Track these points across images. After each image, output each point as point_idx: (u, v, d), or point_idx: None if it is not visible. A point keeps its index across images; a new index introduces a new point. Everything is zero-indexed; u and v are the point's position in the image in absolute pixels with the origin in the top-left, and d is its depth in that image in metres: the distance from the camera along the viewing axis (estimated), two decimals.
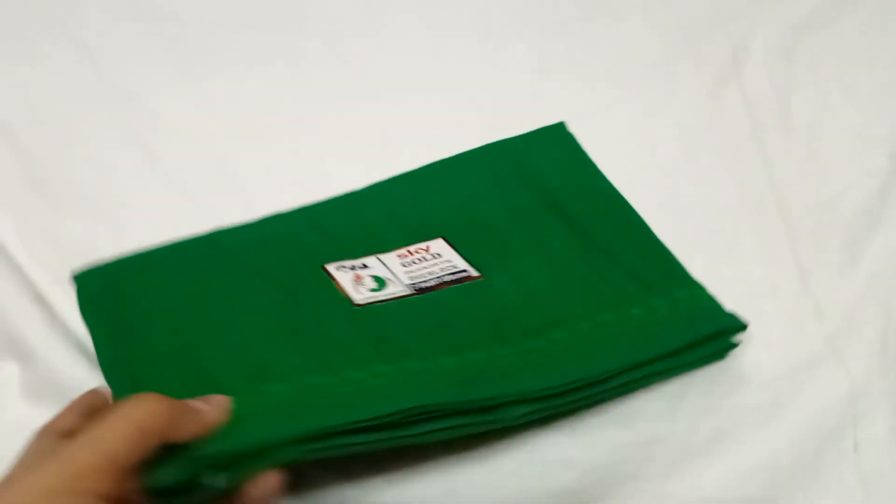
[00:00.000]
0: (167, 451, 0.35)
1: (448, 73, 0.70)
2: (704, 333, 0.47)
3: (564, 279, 0.51)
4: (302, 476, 0.43)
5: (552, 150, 0.60)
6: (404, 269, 0.51)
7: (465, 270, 0.51)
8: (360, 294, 0.49)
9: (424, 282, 0.50)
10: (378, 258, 0.52)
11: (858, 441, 0.46)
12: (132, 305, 0.48)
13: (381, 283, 0.50)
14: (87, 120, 0.64)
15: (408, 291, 0.50)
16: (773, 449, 0.45)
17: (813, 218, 0.57)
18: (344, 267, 0.51)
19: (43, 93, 0.66)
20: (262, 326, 0.47)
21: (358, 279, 0.50)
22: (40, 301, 0.53)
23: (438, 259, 0.52)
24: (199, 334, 0.46)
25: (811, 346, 0.50)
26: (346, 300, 0.48)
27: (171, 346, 0.46)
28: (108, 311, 0.48)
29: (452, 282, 0.50)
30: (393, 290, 0.49)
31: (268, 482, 0.37)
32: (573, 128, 0.61)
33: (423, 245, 0.53)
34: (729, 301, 0.48)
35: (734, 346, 0.48)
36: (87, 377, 0.48)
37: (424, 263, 0.51)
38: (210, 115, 0.65)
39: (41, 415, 0.46)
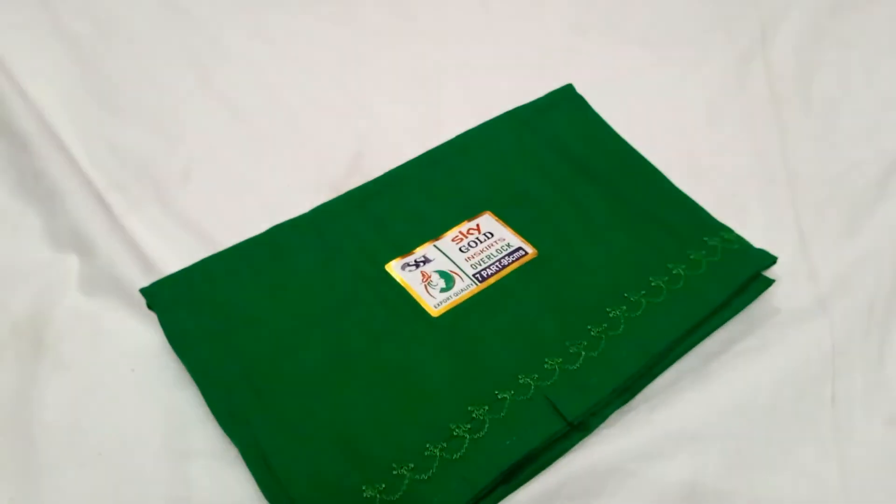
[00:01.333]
0: None
1: (492, 22, 0.73)
2: (743, 277, 0.52)
3: (609, 245, 0.54)
4: None
5: (568, 113, 0.63)
6: (463, 255, 0.53)
7: (520, 248, 0.54)
8: (433, 298, 0.51)
9: (486, 268, 0.52)
10: (435, 246, 0.54)
11: (836, 394, 0.49)
12: (209, 316, 0.49)
13: (448, 279, 0.52)
14: (151, 39, 0.69)
15: (473, 285, 0.51)
16: (754, 391, 0.49)
17: (819, 190, 0.61)
18: (408, 265, 0.52)
19: (109, 9, 0.70)
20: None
21: (426, 279, 0.51)
22: (100, 202, 0.57)
23: (492, 239, 0.54)
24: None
25: (802, 303, 0.53)
26: (424, 313, 0.50)
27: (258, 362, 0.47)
28: (185, 323, 0.49)
29: (512, 262, 0.53)
30: (461, 286, 0.51)
31: None
32: (604, 89, 0.65)
33: (472, 224, 0.55)
34: None
35: (770, 282, 0.53)
36: (141, 275, 0.52)
37: (481, 246, 0.53)
38: (265, 45, 0.69)
39: (94, 305, 0.51)
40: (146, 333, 0.50)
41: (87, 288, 0.52)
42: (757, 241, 0.55)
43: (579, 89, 0.65)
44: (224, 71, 0.67)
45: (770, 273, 0.54)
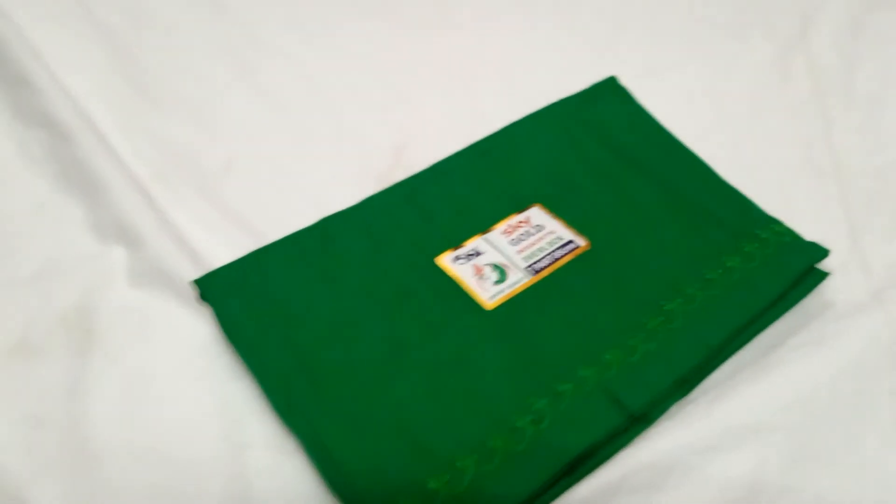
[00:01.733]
0: None
1: (531, 15, 0.73)
2: (798, 270, 0.51)
3: (662, 237, 0.54)
4: None
5: (613, 105, 0.63)
6: (514, 248, 0.52)
7: (571, 241, 0.53)
8: (487, 290, 0.50)
9: (538, 261, 0.52)
10: (485, 239, 0.53)
11: (895, 387, 0.49)
12: (263, 309, 0.48)
13: (501, 272, 0.51)
14: (189, 30, 0.68)
15: (527, 277, 0.51)
16: (813, 384, 0.48)
17: (866, 182, 0.60)
18: (459, 258, 0.52)
19: (145, 3, 0.69)
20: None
21: (478, 272, 0.51)
22: (143, 193, 0.56)
23: (542, 231, 0.53)
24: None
25: (856, 296, 0.53)
26: (477, 306, 0.49)
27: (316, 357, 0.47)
28: (239, 315, 0.48)
29: (564, 255, 0.52)
30: (514, 279, 0.51)
31: None
32: (645, 82, 0.65)
33: (522, 216, 0.54)
34: None
35: (825, 275, 0.52)
36: (190, 267, 0.52)
37: (531, 239, 0.53)
38: (304, 37, 0.69)
39: (143, 297, 0.51)
40: (197, 325, 0.49)
41: (136, 280, 0.52)
42: (806, 235, 0.54)
43: (621, 80, 0.64)
44: (262, 63, 0.66)
45: (822, 266, 0.53)
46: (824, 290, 0.53)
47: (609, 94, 0.63)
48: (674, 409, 0.47)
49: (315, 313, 0.49)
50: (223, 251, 0.52)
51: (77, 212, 0.55)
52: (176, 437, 0.45)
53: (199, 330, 0.49)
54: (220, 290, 0.49)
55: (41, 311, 0.50)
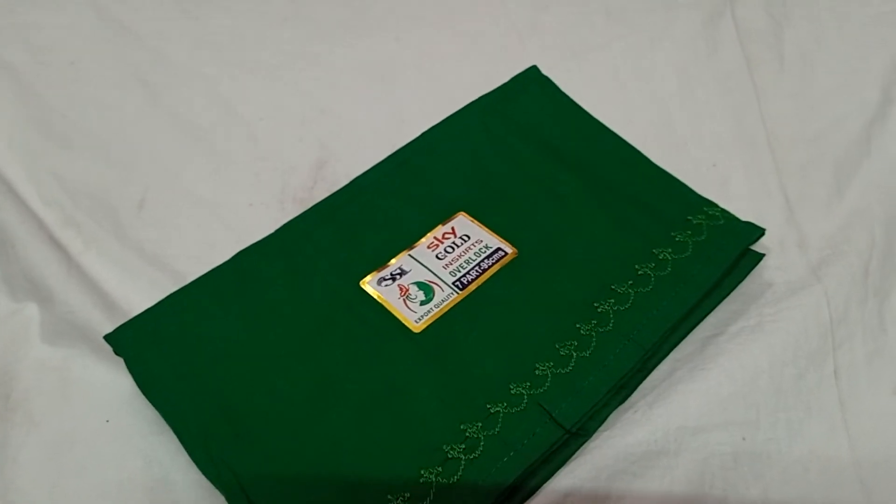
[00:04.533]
0: None
1: (450, 9, 0.70)
2: (732, 255, 0.50)
3: (592, 235, 0.52)
4: None
5: (535, 97, 0.60)
6: (440, 262, 0.50)
7: (498, 248, 0.51)
8: (413, 312, 0.48)
9: (465, 274, 0.50)
10: (410, 255, 0.51)
11: (838, 367, 0.48)
12: (180, 357, 0.46)
13: (427, 291, 0.49)
14: (90, 61, 0.65)
15: (454, 293, 0.49)
16: (754, 374, 0.47)
17: (802, 151, 0.59)
18: (384, 280, 0.50)
19: (45, 34, 0.67)
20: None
21: (404, 292, 0.49)
22: (54, 243, 0.54)
23: (468, 242, 0.51)
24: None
25: (795, 274, 0.52)
26: (405, 329, 0.47)
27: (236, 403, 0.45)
28: (155, 367, 0.46)
29: (492, 265, 0.50)
30: (441, 296, 0.49)
31: None
32: (571, 64, 0.63)
33: (447, 227, 0.52)
34: None
35: (760, 257, 0.51)
36: (105, 319, 0.50)
37: (458, 251, 0.51)
38: (211, 53, 0.66)
39: (60, 355, 0.49)
40: (117, 379, 0.47)
41: (51, 337, 0.50)
42: (742, 211, 0.53)
43: (545, 68, 0.62)
44: (172, 86, 0.64)
45: (759, 244, 0.52)
46: (763, 269, 0.52)
47: (531, 84, 0.61)
48: (613, 416, 0.46)
49: (235, 355, 0.47)
50: (140, 296, 0.51)
51: None
52: (104, 502, 0.44)
53: (119, 384, 0.47)
54: (133, 342, 0.47)
55: None
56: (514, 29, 0.68)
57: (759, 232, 0.51)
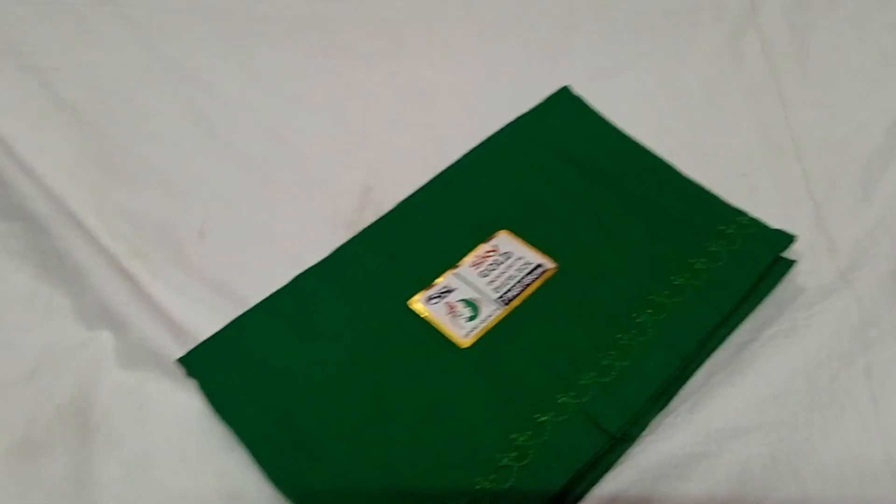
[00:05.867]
0: None
1: (480, 29, 0.73)
2: (764, 263, 0.52)
3: (628, 248, 0.54)
4: None
5: (567, 116, 0.63)
6: (484, 279, 0.53)
7: (540, 265, 0.54)
8: (461, 328, 0.51)
9: (509, 290, 0.53)
10: (455, 274, 0.54)
11: (870, 366, 0.50)
12: (248, 381, 0.50)
13: (474, 308, 0.52)
14: (146, 97, 0.69)
15: (499, 309, 0.52)
16: (790, 376, 0.49)
17: (828, 157, 0.61)
18: (432, 298, 0.53)
19: (103, 73, 0.70)
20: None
21: (452, 310, 0.52)
22: (123, 273, 0.57)
23: (511, 259, 0.54)
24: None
25: (825, 279, 0.54)
26: (454, 345, 0.50)
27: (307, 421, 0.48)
28: (225, 388, 0.50)
29: (534, 280, 0.53)
30: (487, 312, 0.52)
31: None
32: (601, 83, 0.65)
33: (490, 245, 0.55)
34: None
35: (792, 264, 0.53)
36: (174, 344, 0.53)
37: (501, 268, 0.54)
38: (260, 86, 0.70)
39: (134, 379, 0.52)
40: (189, 399, 0.51)
41: (125, 362, 0.53)
42: (772, 218, 0.55)
43: (576, 86, 0.65)
44: (225, 118, 0.67)
45: (790, 250, 0.54)
46: (794, 275, 0.54)
47: (563, 104, 0.63)
48: (654, 422, 0.48)
49: (297, 374, 0.50)
50: (205, 321, 0.54)
51: (63, 301, 0.56)
52: None
53: (191, 405, 0.51)
54: (203, 365, 0.50)
55: (40, 407, 0.51)
56: (544, 50, 0.71)
57: (789, 239, 0.53)
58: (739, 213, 0.55)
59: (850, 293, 0.52)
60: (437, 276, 0.54)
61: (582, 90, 0.64)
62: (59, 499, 0.48)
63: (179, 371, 0.51)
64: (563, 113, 0.63)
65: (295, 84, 0.70)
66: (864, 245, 0.55)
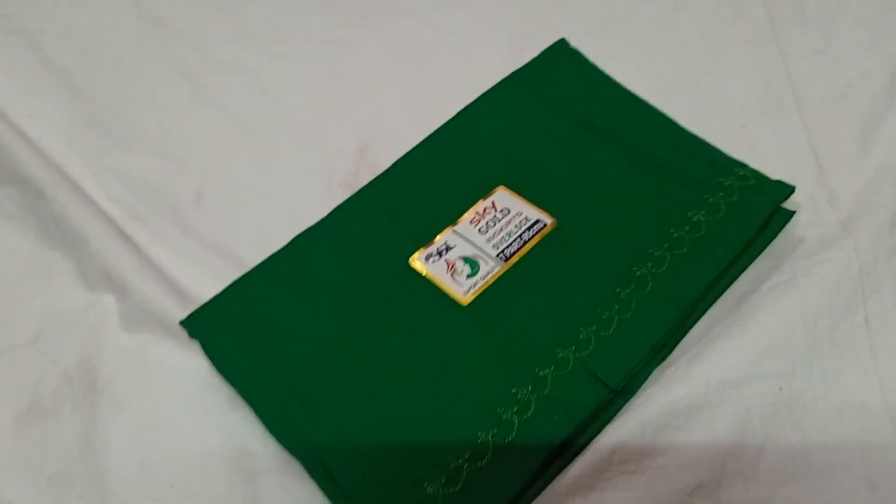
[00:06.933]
0: None
1: None
2: (763, 214, 0.52)
3: (627, 202, 0.54)
4: None
5: (565, 69, 0.62)
6: (483, 236, 0.53)
7: (538, 220, 0.54)
8: (461, 285, 0.51)
9: (508, 246, 0.53)
10: (455, 232, 0.54)
11: (868, 315, 0.50)
12: (252, 341, 0.50)
13: (473, 265, 0.52)
14: (137, 59, 0.68)
15: (498, 265, 0.52)
16: (789, 327, 0.49)
17: (828, 108, 0.60)
18: (431, 256, 0.53)
19: (91, 35, 0.70)
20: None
21: (451, 267, 0.52)
22: (123, 237, 0.57)
23: (509, 215, 0.54)
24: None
25: (825, 229, 0.54)
26: (454, 302, 0.50)
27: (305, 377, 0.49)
28: (228, 348, 0.50)
29: (533, 236, 0.53)
30: (486, 269, 0.52)
31: None
32: (598, 36, 0.64)
33: (487, 202, 0.55)
34: None
35: (791, 214, 0.53)
36: (176, 306, 0.53)
37: (499, 224, 0.54)
38: (251, 45, 0.69)
39: (138, 341, 0.53)
40: (193, 360, 0.51)
41: (129, 325, 0.53)
42: (773, 170, 0.55)
43: (573, 39, 0.64)
44: (217, 80, 0.67)
45: (790, 201, 0.54)
46: (794, 226, 0.54)
47: (560, 58, 0.63)
48: (655, 374, 0.49)
49: (300, 334, 0.50)
50: (206, 282, 0.54)
51: (65, 265, 0.57)
52: (190, 475, 0.48)
53: (195, 365, 0.51)
54: (206, 326, 0.51)
55: (46, 371, 0.52)
56: (540, 3, 0.70)
57: (789, 190, 0.53)
58: (738, 165, 0.55)
59: (849, 243, 0.52)
60: (436, 233, 0.54)
61: (579, 42, 0.64)
62: (69, 461, 0.48)
63: (183, 332, 0.51)
64: (560, 66, 0.62)
65: (287, 43, 0.69)
66: (864, 194, 0.55)
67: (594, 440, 0.46)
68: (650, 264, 0.51)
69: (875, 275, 0.51)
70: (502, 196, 0.55)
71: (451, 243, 0.53)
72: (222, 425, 0.49)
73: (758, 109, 0.61)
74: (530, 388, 0.47)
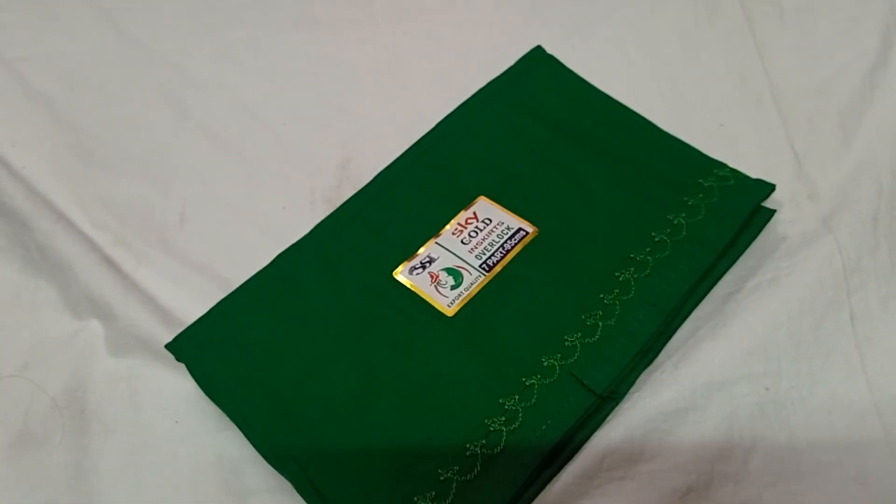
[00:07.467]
0: None
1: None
2: (744, 214, 0.52)
3: (607, 207, 0.54)
4: None
5: (542, 76, 0.62)
6: (465, 247, 0.53)
7: (520, 228, 0.54)
8: (445, 297, 0.51)
9: (490, 256, 0.53)
10: (437, 243, 0.54)
11: (853, 312, 0.50)
12: (237, 361, 0.50)
13: (456, 276, 0.52)
14: (117, 82, 0.68)
15: (482, 276, 0.52)
16: (774, 326, 0.50)
17: (807, 103, 0.60)
18: (415, 269, 0.53)
19: (71, 60, 0.70)
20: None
21: (435, 279, 0.52)
22: (108, 262, 0.57)
23: (491, 224, 0.54)
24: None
25: (807, 226, 0.54)
26: (439, 314, 0.50)
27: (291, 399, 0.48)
28: (214, 370, 0.50)
29: (514, 245, 0.53)
30: (470, 280, 0.52)
31: None
32: (575, 41, 0.64)
33: (469, 213, 0.55)
34: None
35: (772, 213, 0.53)
36: (163, 329, 0.54)
37: (481, 235, 0.54)
38: (231, 63, 0.69)
39: (126, 366, 0.53)
40: (181, 382, 0.51)
41: (116, 350, 0.53)
42: (753, 167, 0.55)
43: (549, 45, 0.64)
44: (199, 100, 0.67)
45: (771, 199, 0.54)
46: (776, 223, 0.54)
47: (537, 64, 0.63)
48: (641, 378, 0.49)
49: (285, 351, 0.50)
50: (192, 304, 0.54)
51: (50, 293, 0.57)
52: (182, 497, 0.48)
53: (184, 387, 0.51)
54: (191, 349, 0.51)
55: (35, 399, 0.52)
56: (517, 10, 0.70)
57: (769, 188, 0.53)
58: (718, 165, 0.55)
59: (831, 240, 0.53)
60: (419, 246, 0.54)
61: (556, 48, 0.64)
62: (62, 489, 0.48)
63: (170, 356, 0.52)
64: (537, 73, 0.62)
65: (266, 59, 0.69)
66: (845, 189, 0.55)
67: (583, 447, 0.46)
68: (633, 269, 0.51)
69: (859, 271, 0.52)
70: (483, 206, 0.56)
71: (433, 255, 0.53)
72: (212, 447, 0.49)
73: (736, 108, 0.61)
74: (517, 397, 0.47)
